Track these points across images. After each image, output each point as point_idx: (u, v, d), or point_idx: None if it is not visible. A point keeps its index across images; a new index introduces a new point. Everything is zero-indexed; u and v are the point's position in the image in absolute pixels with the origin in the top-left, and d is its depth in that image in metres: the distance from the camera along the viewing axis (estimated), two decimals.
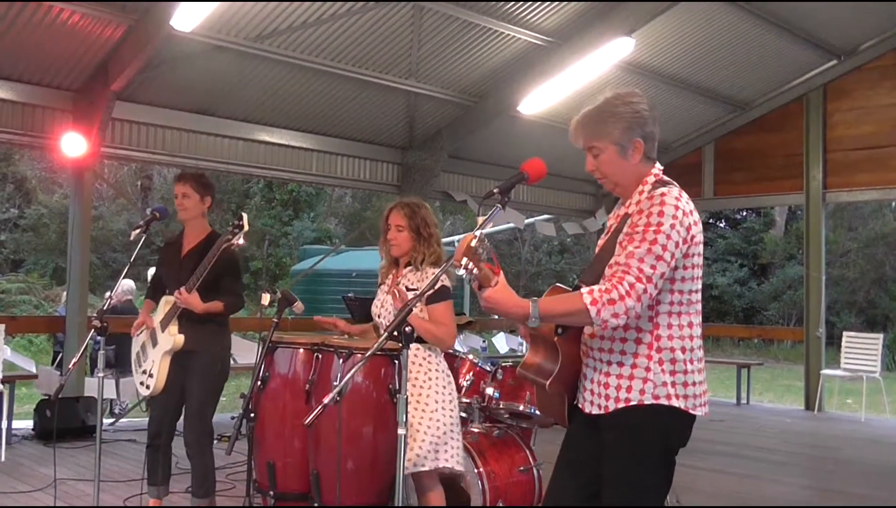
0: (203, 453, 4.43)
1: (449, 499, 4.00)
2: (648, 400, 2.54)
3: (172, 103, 8.38)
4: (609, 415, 2.59)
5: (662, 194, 2.52)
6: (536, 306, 2.42)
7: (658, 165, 2.69)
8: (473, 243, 2.31)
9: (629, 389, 2.55)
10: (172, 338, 4.35)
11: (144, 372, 4.48)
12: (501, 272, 2.43)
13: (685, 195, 2.58)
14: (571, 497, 2.73)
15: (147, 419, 4.61)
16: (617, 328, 2.53)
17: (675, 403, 2.55)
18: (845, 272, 23.58)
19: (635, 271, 2.44)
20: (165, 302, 4.46)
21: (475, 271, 2.33)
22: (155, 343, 4.46)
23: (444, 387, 3.88)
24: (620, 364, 2.57)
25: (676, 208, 2.50)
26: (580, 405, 2.71)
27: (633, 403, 2.55)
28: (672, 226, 2.48)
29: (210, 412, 4.51)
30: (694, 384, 2.58)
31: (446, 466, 3.78)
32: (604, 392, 2.60)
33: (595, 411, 2.63)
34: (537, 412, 4.39)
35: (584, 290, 2.44)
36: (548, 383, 2.66)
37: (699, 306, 2.63)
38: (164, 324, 4.40)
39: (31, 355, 13.42)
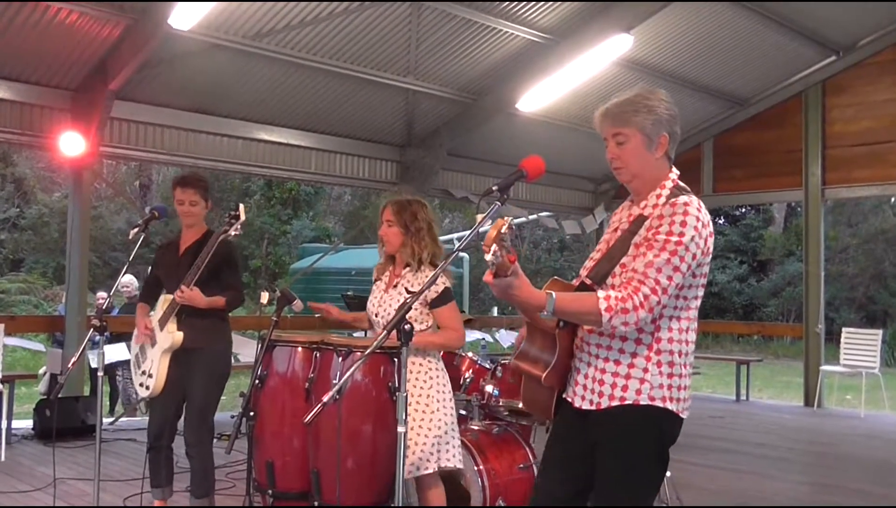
0: (204, 452, 4.40)
1: (449, 497, 4.01)
2: (644, 401, 2.54)
3: (171, 102, 8.38)
4: (601, 412, 2.58)
5: (686, 204, 2.51)
6: (553, 301, 2.40)
7: (675, 169, 2.68)
8: (504, 230, 2.28)
9: (625, 388, 2.55)
10: (171, 335, 4.32)
11: (144, 373, 4.45)
12: (517, 261, 2.42)
13: (703, 206, 2.57)
14: (560, 494, 2.73)
15: (146, 419, 4.58)
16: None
17: (668, 406, 2.56)
18: (845, 268, 23.62)
19: (651, 282, 2.44)
20: (164, 300, 4.44)
21: (499, 258, 2.28)
22: (154, 343, 4.43)
23: (444, 386, 3.90)
24: (618, 362, 2.57)
25: (698, 219, 2.50)
26: (569, 399, 2.71)
27: (628, 402, 2.55)
28: (692, 239, 2.48)
29: (212, 412, 4.49)
30: (685, 388, 2.61)
31: (448, 465, 3.79)
32: (598, 389, 2.59)
33: (586, 406, 2.62)
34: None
35: (601, 295, 2.44)
36: (544, 375, 2.65)
37: (697, 313, 2.64)
38: (163, 322, 4.37)
39: (31, 355, 13.43)
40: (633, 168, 2.62)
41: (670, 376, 2.56)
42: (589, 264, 2.74)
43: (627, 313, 2.41)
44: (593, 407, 2.60)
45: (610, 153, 2.65)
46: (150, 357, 4.43)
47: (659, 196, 2.60)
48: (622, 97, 2.65)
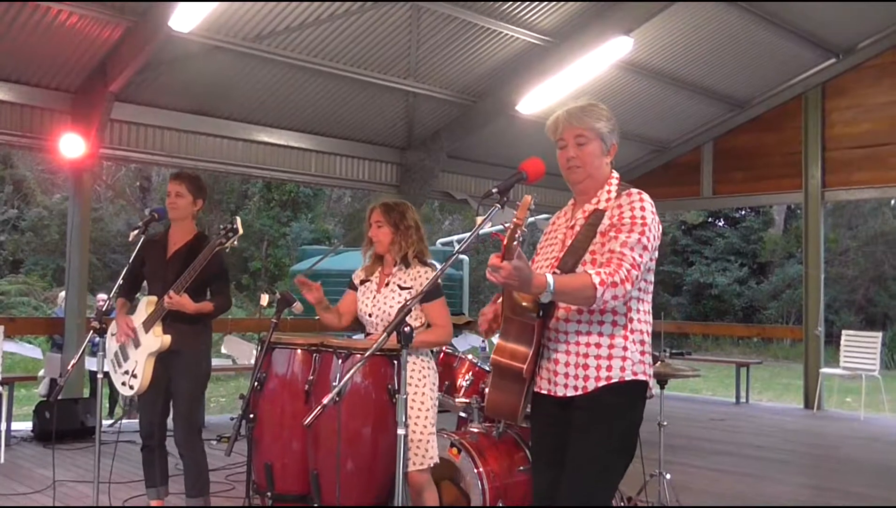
0: (194, 451, 4.41)
1: (448, 499, 4.01)
2: (629, 377, 2.71)
3: (171, 104, 8.38)
4: (588, 394, 2.69)
5: (640, 193, 2.76)
6: (553, 281, 2.50)
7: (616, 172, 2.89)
8: (532, 207, 2.42)
9: (609, 368, 2.69)
10: (159, 339, 4.30)
11: (127, 372, 4.42)
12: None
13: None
14: (557, 490, 2.76)
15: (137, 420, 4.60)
16: (594, 312, 2.69)
17: (647, 380, 2.76)
18: (844, 271, 23.62)
19: (630, 259, 2.62)
20: (147, 303, 4.40)
21: (521, 233, 2.38)
22: (137, 344, 4.39)
23: (435, 384, 3.97)
24: (598, 345, 2.71)
25: (651, 204, 2.75)
26: (547, 392, 2.78)
27: (614, 380, 2.69)
28: (652, 221, 2.71)
29: (198, 410, 4.54)
30: (651, 365, 2.81)
31: (434, 462, 3.87)
32: (582, 374, 2.71)
33: (570, 393, 2.72)
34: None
35: (592, 271, 2.57)
36: (525, 366, 2.71)
37: (651, 296, 2.85)
38: (148, 325, 4.34)
39: (30, 357, 13.41)
40: (590, 168, 2.82)
41: (642, 353, 2.75)
42: (545, 262, 2.86)
43: (616, 286, 2.55)
44: (579, 392, 2.71)
45: (570, 152, 2.82)
46: (134, 358, 4.40)
47: (609, 191, 2.83)
48: (580, 103, 2.86)
